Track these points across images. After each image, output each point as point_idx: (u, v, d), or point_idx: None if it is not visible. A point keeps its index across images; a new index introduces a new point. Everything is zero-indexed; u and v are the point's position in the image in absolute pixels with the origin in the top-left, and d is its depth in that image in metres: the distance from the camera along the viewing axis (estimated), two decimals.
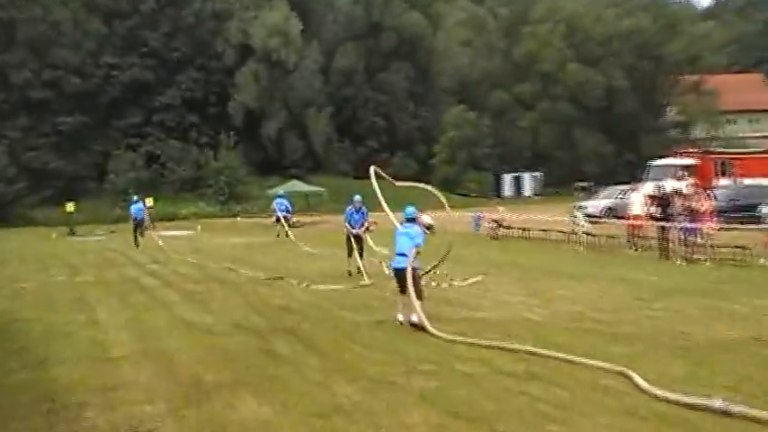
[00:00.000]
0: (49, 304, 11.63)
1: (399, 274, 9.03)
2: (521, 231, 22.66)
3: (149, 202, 39.02)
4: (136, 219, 24.65)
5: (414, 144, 68.21)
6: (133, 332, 9.11)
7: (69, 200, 36.93)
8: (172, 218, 45.87)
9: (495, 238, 23.23)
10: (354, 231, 14.50)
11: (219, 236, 29.54)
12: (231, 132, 54.25)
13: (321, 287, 12.77)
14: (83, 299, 12.13)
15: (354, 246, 14.47)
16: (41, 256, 21.78)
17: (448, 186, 62.98)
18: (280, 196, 26.41)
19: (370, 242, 15.32)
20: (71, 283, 14.48)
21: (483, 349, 7.62)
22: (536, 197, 60.22)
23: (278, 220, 24.80)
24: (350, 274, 14.16)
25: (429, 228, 9.32)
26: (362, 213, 14.74)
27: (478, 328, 8.65)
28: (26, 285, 14.14)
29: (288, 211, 25.61)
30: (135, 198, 26.22)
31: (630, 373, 6.40)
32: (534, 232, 22.00)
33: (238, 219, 34.14)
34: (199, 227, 35.42)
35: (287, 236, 23.35)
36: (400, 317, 9.07)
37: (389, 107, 67.43)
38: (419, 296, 8.79)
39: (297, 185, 45.41)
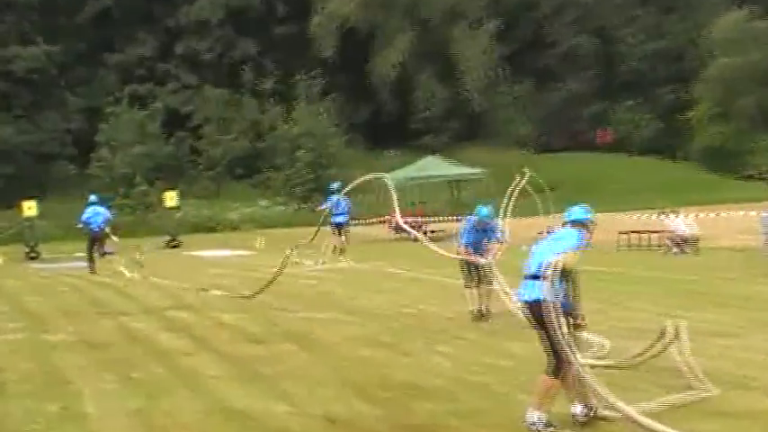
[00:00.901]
0: None
1: (533, 311, 8.85)
2: None
3: (170, 198, 40.36)
4: (91, 230, 26.03)
5: (651, 85, 66.83)
6: None
7: (28, 197, 38.39)
8: (211, 227, 47.51)
9: None
10: (480, 262, 15.03)
11: (297, 257, 29.91)
12: (316, 71, 55.09)
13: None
14: (55, 373, 12.35)
15: (475, 279, 15.47)
16: None
17: (717, 161, 61.23)
18: (334, 191, 27.80)
19: None
20: (34, 344, 14.87)
21: None
22: None
23: (339, 231, 26.92)
24: (480, 315, 15.43)
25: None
26: (492, 230, 15.39)
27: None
28: None
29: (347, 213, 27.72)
30: (92, 197, 27.48)
31: None
32: None
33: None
34: (259, 241, 36.23)
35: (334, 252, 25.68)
36: (578, 409, 9.00)
37: (603, 18, 66.54)
38: (566, 357, 8.66)
39: (432, 165, 45.30)
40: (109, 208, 29.77)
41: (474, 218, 15.41)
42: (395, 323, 15.37)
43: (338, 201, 26.85)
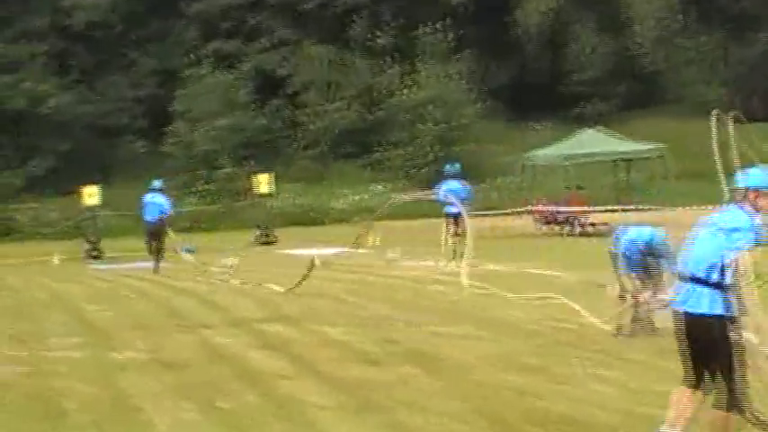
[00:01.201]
0: (52, 414, 12.10)
1: (696, 326, 8.73)
2: None
3: (263, 182, 40.61)
4: (146, 222, 27.60)
5: None
6: None
7: (89, 182, 39.38)
8: (312, 218, 48.29)
9: None
10: (644, 298, 14.97)
11: (421, 259, 30.23)
12: (444, 23, 54.86)
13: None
14: (123, 399, 12.65)
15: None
16: (30, 304, 23.28)
17: None
18: (450, 176, 28.88)
19: None
20: (98, 364, 15.27)
21: None
22: None
23: (456, 224, 27.35)
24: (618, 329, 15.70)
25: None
26: (662, 255, 14.68)
27: None
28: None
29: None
30: (155, 183, 28.83)
31: None
32: None
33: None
34: (372, 236, 36.04)
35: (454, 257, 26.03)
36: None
37: None
38: (736, 396, 8.54)
39: (591, 140, 44.92)
40: (170, 199, 30.80)
41: (639, 241, 15.05)
42: (542, 340, 15.35)
43: (458, 187, 26.99)
